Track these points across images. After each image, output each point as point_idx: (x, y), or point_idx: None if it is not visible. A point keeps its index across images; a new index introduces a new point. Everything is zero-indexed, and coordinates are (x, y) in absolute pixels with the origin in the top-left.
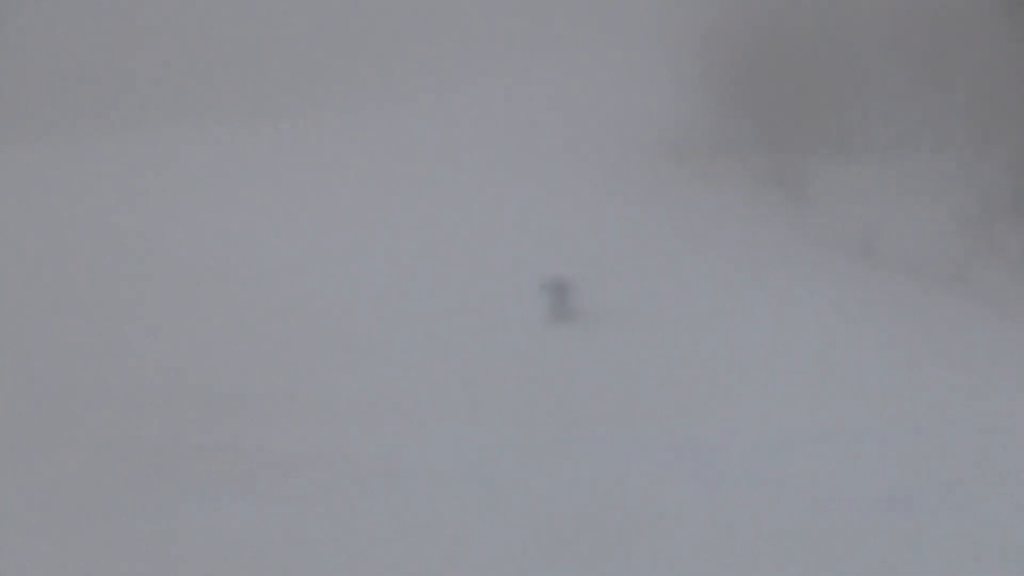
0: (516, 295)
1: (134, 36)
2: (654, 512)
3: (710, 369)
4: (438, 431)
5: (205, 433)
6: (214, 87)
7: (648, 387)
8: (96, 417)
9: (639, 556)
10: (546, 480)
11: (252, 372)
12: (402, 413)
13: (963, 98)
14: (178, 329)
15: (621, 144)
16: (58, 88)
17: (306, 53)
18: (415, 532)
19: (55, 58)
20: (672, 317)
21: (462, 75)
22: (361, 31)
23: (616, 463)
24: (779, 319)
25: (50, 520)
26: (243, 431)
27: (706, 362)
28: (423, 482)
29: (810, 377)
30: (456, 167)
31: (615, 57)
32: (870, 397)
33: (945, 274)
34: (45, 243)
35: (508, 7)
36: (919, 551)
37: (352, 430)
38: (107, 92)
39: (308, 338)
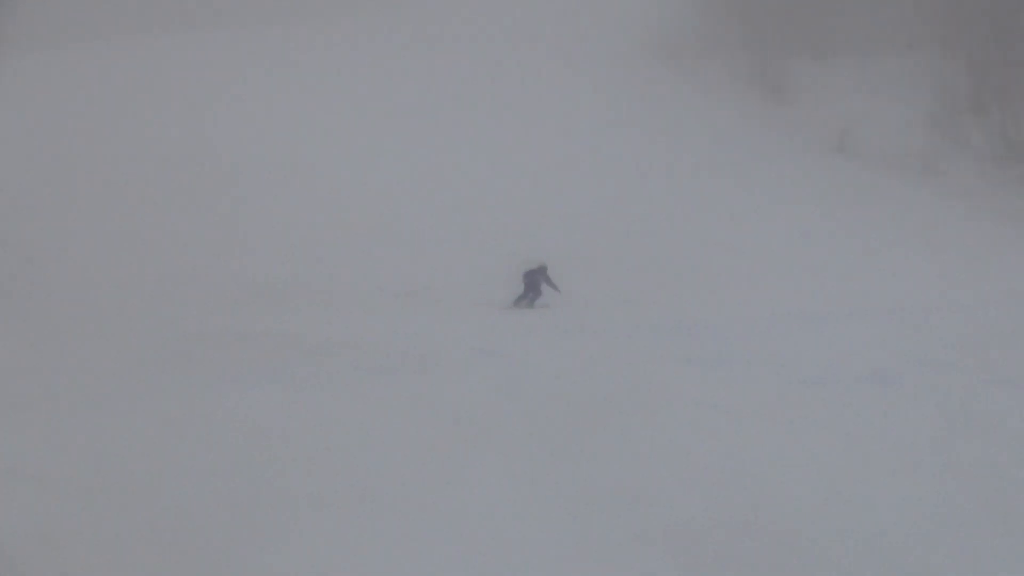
0: (517, 183)
1: None
2: (651, 388)
3: (699, 256)
4: (460, 321)
5: (240, 321)
6: None
7: (640, 275)
8: (136, 304)
9: (637, 428)
10: (555, 360)
11: (285, 264)
12: (428, 303)
13: (929, 2)
14: (215, 222)
15: (612, 45)
16: None
17: None
18: (437, 410)
19: None
20: (660, 209)
21: None
22: None
23: (617, 345)
24: (762, 209)
25: (92, 400)
26: (277, 319)
27: (694, 249)
28: (445, 366)
29: (794, 263)
30: (454, 64)
31: None
32: (850, 281)
33: (916, 167)
34: (83, 141)
35: None
36: (898, 423)
37: (380, 319)
38: None
39: (339, 231)
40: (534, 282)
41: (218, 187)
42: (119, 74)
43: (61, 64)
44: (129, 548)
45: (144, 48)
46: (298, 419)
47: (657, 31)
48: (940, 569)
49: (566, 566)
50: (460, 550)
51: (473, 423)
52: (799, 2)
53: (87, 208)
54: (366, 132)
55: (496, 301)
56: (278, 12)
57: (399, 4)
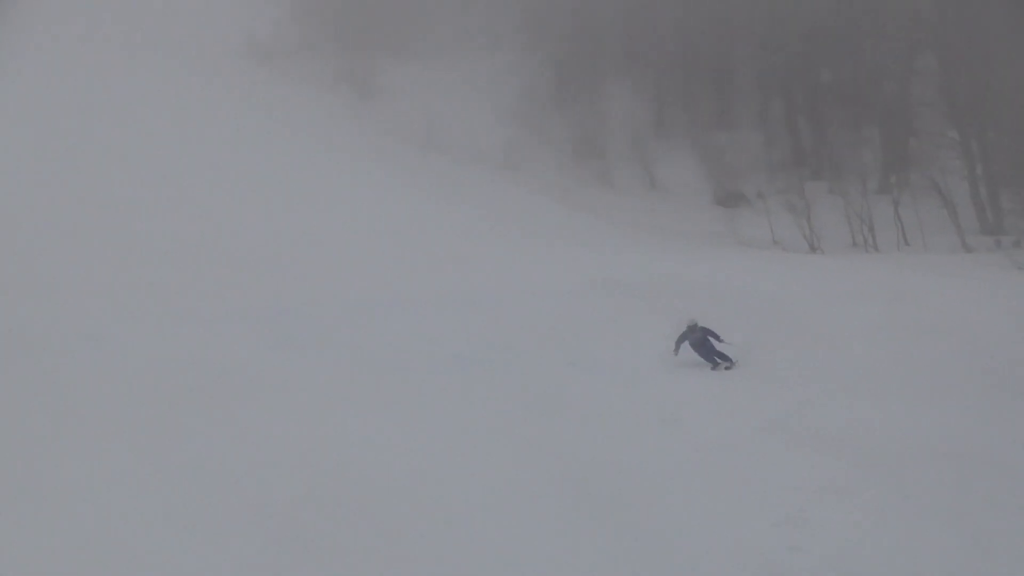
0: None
1: None
2: (239, 374)
3: (288, 248)
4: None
5: None
6: None
7: (234, 267)
8: None
9: (226, 411)
10: (152, 346)
11: None
12: None
13: (512, 4)
14: None
15: (206, 48)
16: None
17: None
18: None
19: None
20: (253, 204)
21: None
22: None
23: (209, 332)
24: (356, 200)
25: None
26: None
27: (285, 241)
28: (47, 351)
29: (382, 254)
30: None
31: None
32: (434, 271)
33: (499, 161)
34: None
35: None
36: (476, 405)
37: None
38: None
39: None
40: None
41: None
42: None
43: None
44: None
45: None
46: None
47: (252, 34)
48: (505, 541)
49: (167, 537)
50: (67, 520)
51: (75, 405)
52: (387, 5)
53: None
54: None
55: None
56: None
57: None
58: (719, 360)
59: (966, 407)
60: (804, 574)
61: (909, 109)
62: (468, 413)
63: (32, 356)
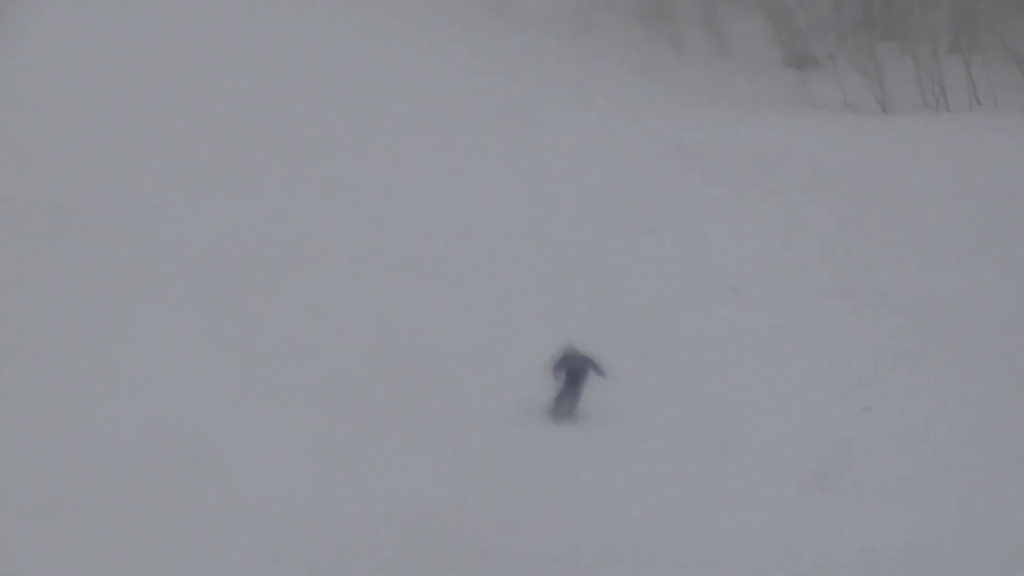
0: None
1: None
2: (318, 241)
3: (359, 113)
4: None
5: None
6: None
7: (302, 133)
8: None
9: (300, 276)
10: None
11: None
12: None
13: None
14: None
15: None
16: None
17: None
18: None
19: None
20: (324, 68)
21: None
22: None
23: (282, 205)
24: (425, 69)
25: None
26: None
27: (357, 107)
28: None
29: (453, 120)
30: None
31: None
32: (507, 135)
33: (567, 26)
34: None
35: None
36: (550, 274)
37: None
38: None
39: None
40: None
41: None
42: None
43: None
44: None
45: None
46: None
47: None
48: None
49: (242, 410)
50: (139, 393)
51: (146, 281)
52: None
53: None
54: None
55: None
56: None
57: None
58: (567, 404)
59: None
60: (876, 436)
61: None
62: (536, 282)
63: (98, 232)
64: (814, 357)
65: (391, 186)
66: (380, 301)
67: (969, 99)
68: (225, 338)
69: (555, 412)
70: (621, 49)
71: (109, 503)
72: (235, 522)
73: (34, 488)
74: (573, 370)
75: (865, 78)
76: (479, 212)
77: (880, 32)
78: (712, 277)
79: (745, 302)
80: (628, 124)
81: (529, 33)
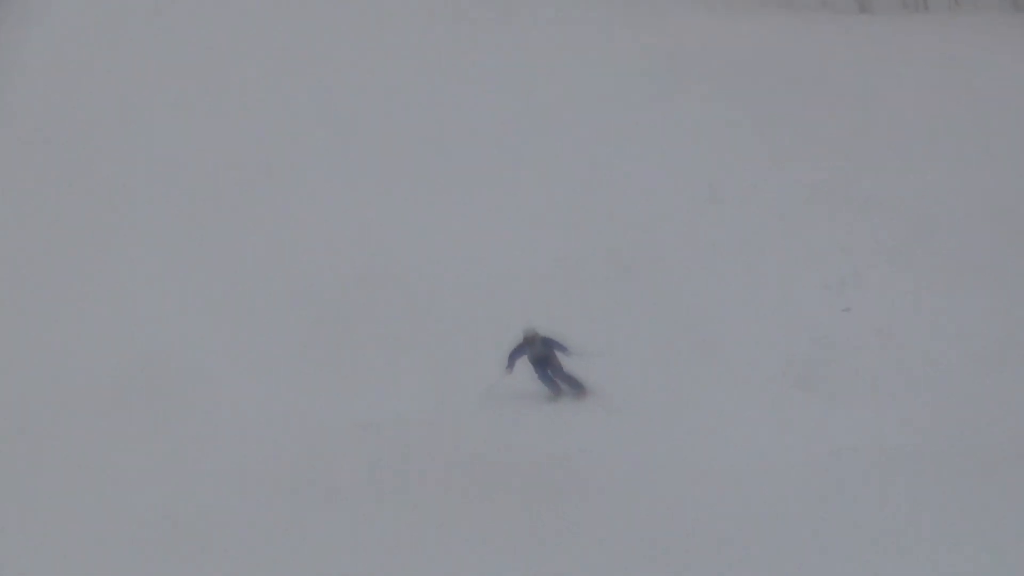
0: None
1: None
2: (297, 156)
3: (343, 24)
4: None
5: None
6: None
7: (281, 48)
8: None
9: (282, 192)
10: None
11: None
12: None
13: None
14: None
15: None
16: None
17: None
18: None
19: None
20: None
21: None
22: None
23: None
24: None
25: None
26: None
27: (338, 20)
28: None
29: (439, 21)
30: None
31: None
32: (490, 39)
33: None
34: None
35: None
36: (532, 183)
37: None
38: None
39: None
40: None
41: None
42: None
43: None
44: None
45: None
46: None
47: None
48: (557, 306)
49: (226, 323)
50: (124, 307)
51: (129, 197)
52: None
53: None
54: None
55: None
56: None
57: None
58: (564, 385)
59: (1019, 175)
60: (856, 336)
61: None
62: (516, 193)
63: (83, 150)
64: (794, 260)
65: (366, 92)
66: (361, 215)
67: None
68: (209, 254)
69: (553, 395)
70: None
71: (94, 413)
72: (218, 431)
73: (19, 399)
74: (537, 357)
75: None
76: (456, 118)
77: None
78: (689, 185)
79: (724, 208)
80: (603, 31)
81: None
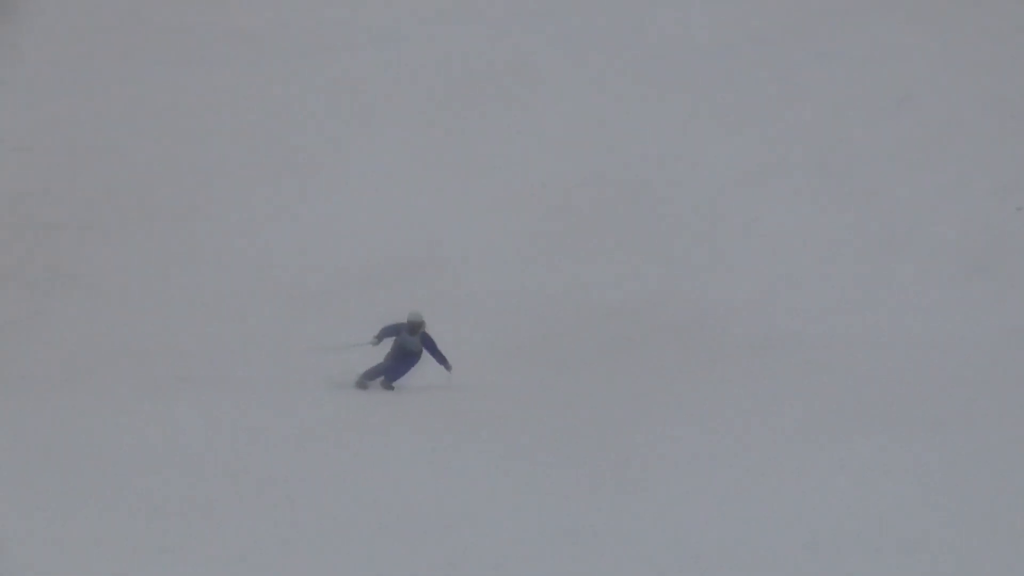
0: None
1: None
2: (527, 70)
3: None
4: None
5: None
6: None
7: None
8: None
9: (521, 99)
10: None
11: None
12: None
13: None
14: None
15: None
16: None
17: None
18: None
19: None
20: None
21: None
22: None
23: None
24: None
25: None
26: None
27: None
28: (345, 50)
29: None
30: None
31: None
32: None
33: None
34: None
35: None
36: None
37: None
38: None
39: None
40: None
41: None
42: None
43: None
44: None
45: None
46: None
47: None
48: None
49: (463, 216)
50: (373, 202)
51: (371, 100)
52: None
53: None
54: None
55: None
56: None
57: None
58: (391, 380)
59: None
60: None
61: None
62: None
63: (328, 54)
64: (971, 163)
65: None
66: (594, 114)
67: None
68: (448, 155)
69: (364, 377)
70: None
71: (348, 296)
72: (462, 309)
73: (284, 283)
74: (405, 347)
75: None
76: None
77: None
78: (883, 90)
79: (913, 113)
80: None
81: None
